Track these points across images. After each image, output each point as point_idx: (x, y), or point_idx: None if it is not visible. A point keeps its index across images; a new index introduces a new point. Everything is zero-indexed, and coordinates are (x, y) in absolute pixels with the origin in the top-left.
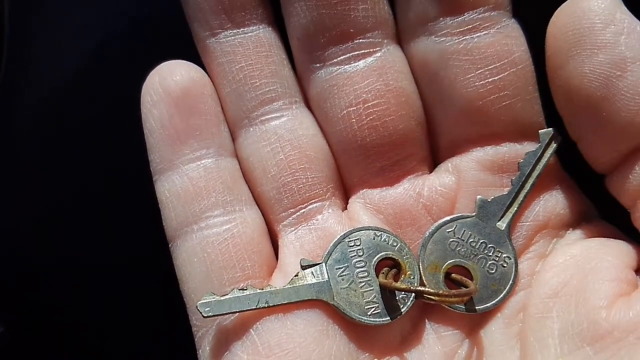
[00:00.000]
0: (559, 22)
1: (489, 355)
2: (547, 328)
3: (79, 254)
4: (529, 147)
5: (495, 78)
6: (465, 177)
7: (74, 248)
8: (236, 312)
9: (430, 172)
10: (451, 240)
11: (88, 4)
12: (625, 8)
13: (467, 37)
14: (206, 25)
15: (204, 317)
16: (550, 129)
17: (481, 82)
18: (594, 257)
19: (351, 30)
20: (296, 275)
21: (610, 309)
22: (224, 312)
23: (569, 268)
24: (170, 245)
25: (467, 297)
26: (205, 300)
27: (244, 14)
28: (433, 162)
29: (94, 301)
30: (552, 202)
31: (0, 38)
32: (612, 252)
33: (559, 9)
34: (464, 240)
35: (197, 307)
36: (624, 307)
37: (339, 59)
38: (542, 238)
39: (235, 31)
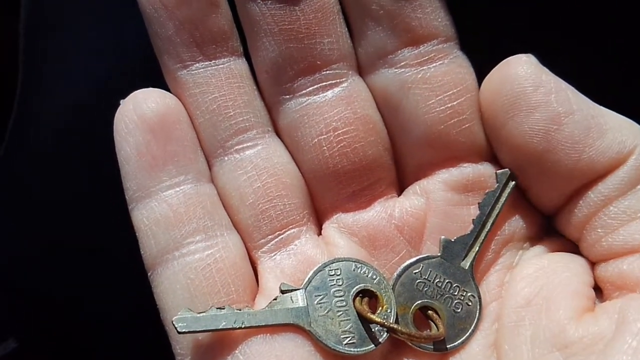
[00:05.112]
0: (491, 88)
1: None
2: (520, 335)
3: (82, 279)
4: (489, 167)
5: (454, 103)
6: (434, 198)
7: (77, 273)
8: (212, 330)
9: (399, 195)
10: (418, 281)
11: (104, 25)
12: (548, 70)
13: (424, 67)
14: (177, 58)
15: (178, 332)
16: (507, 169)
17: (441, 108)
18: (561, 270)
19: (318, 63)
20: (275, 299)
21: (577, 321)
22: (200, 330)
23: (539, 279)
24: (149, 274)
25: (436, 339)
26: (181, 316)
27: (215, 46)
28: (400, 185)
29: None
30: (515, 218)
31: (15, 62)
32: (574, 267)
33: (489, 77)
34: (430, 280)
35: (172, 322)
36: (591, 321)
37: (307, 89)
38: (509, 251)
39: (206, 63)
